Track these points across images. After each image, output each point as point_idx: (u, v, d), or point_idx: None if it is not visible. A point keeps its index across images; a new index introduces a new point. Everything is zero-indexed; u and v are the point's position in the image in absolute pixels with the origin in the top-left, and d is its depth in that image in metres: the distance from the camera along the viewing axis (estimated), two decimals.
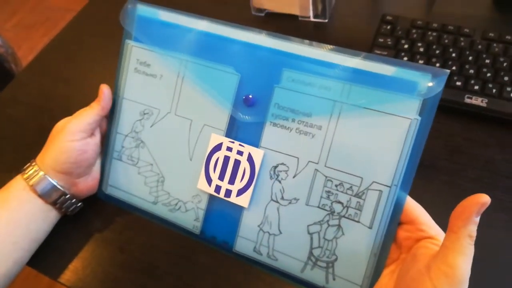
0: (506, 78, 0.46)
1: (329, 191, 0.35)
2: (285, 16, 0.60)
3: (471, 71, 0.47)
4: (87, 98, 0.43)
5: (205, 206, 0.40)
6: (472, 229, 0.27)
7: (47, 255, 0.42)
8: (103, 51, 0.60)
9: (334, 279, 0.35)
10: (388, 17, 0.53)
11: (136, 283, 0.41)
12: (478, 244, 0.34)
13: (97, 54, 0.61)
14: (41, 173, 0.40)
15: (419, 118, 0.32)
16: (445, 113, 0.46)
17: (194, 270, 0.41)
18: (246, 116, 0.38)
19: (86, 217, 0.45)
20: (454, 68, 0.48)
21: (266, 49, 0.37)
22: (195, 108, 0.40)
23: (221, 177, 0.39)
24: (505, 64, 0.47)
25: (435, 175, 0.42)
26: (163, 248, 0.43)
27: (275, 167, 0.37)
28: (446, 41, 0.50)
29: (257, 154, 0.37)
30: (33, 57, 0.63)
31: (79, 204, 0.43)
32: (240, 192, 0.38)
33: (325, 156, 0.35)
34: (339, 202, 0.35)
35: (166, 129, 0.42)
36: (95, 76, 0.58)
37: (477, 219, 0.27)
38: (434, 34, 0.51)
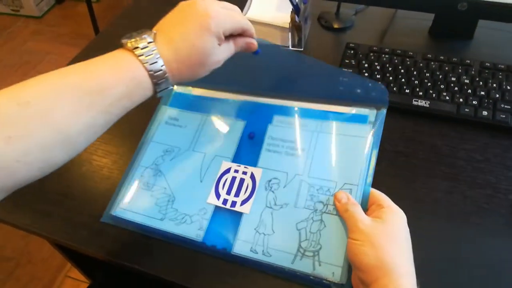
0: (442, 86, 0.61)
1: (312, 194, 0.47)
2: None
3: (416, 82, 0.62)
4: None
5: (210, 217, 0.48)
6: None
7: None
8: None
9: (320, 265, 0.42)
10: (351, 44, 0.68)
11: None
12: (429, 203, 0.49)
13: None
14: (167, 75, 0.39)
15: (372, 137, 0.48)
16: (399, 113, 0.60)
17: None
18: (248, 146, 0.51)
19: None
20: (403, 80, 0.62)
21: (263, 104, 0.54)
22: (210, 145, 0.53)
23: (228, 192, 0.49)
24: (440, 76, 0.62)
25: (396, 157, 0.55)
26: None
27: (269, 181, 0.49)
28: (396, 61, 0.65)
29: (257, 172, 0.49)
30: None
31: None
32: (243, 202, 0.48)
33: (308, 169, 0.48)
34: (320, 202, 0.46)
35: (183, 161, 0.53)
36: None
37: (338, 204, 0.44)
38: (387, 56, 0.66)
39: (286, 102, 0.52)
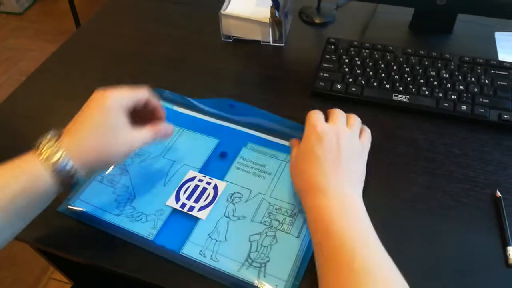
0: (422, 81, 0.61)
1: (270, 212, 0.49)
2: (249, 41, 0.73)
3: (396, 77, 0.62)
4: None
5: (165, 218, 0.48)
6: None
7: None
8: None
9: (264, 276, 0.43)
10: (332, 39, 0.68)
11: None
12: (408, 198, 0.49)
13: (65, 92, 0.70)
14: (70, 163, 0.40)
15: None
16: (379, 108, 0.60)
17: None
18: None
19: None
20: (383, 75, 0.62)
21: (240, 131, 0.58)
22: (181, 154, 0.55)
23: (188, 198, 0.50)
24: (420, 71, 0.62)
25: (375, 152, 0.54)
26: None
27: (232, 194, 0.51)
28: (376, 56, 0.65)
29: (221, 185, 0.51)
30: None
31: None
32: (202, 208, 0.49)
33: (271, 190, 0.51)
34: (277, 220, 0.48)
35: (152, 165, 0.54)
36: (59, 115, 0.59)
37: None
38: (367, 51, 0.65)
39: (262, 134, 0.57)
